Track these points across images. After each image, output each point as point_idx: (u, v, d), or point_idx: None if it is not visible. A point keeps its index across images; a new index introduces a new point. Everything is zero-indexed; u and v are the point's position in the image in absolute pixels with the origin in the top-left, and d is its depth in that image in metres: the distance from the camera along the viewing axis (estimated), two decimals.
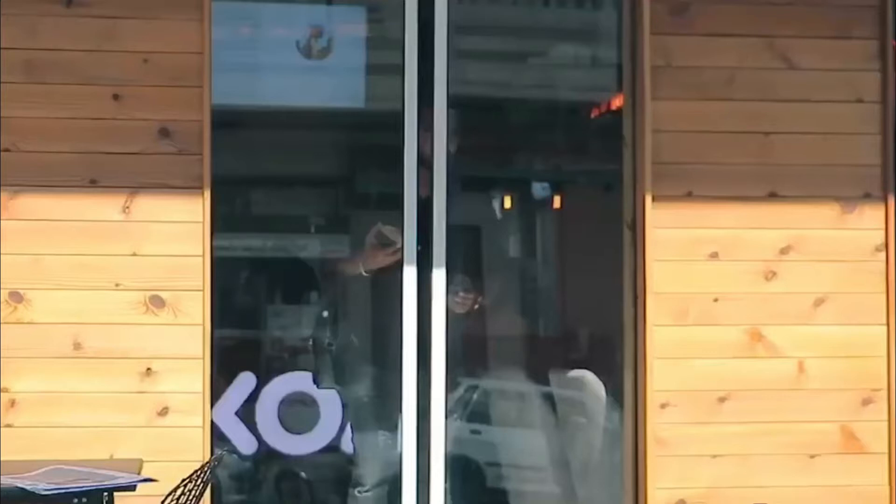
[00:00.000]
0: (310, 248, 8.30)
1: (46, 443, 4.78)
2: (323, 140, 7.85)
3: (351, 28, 7.48)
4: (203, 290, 4.93)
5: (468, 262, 5.43)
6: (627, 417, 5.28)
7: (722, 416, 5.16)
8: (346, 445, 5.99)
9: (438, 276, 5.08)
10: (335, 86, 7.45)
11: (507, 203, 9.19)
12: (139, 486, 3.54)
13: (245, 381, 5.92)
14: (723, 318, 5.18)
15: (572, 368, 5.78)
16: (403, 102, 5.08)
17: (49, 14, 4.92)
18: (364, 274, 4.70)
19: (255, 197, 7.02)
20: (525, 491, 6.01)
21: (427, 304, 4.96)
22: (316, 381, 5.77)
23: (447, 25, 5.04)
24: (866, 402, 5.23)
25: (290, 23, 7.35)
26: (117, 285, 4.93)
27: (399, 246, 4.61)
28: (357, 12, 7.50)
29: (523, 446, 5.99)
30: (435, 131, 5.03)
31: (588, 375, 5.48)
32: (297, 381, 6.30)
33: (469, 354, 6.28)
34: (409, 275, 5.00)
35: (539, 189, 9.01)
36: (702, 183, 5.20)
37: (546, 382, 5.98)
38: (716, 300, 5.19)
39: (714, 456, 5.15)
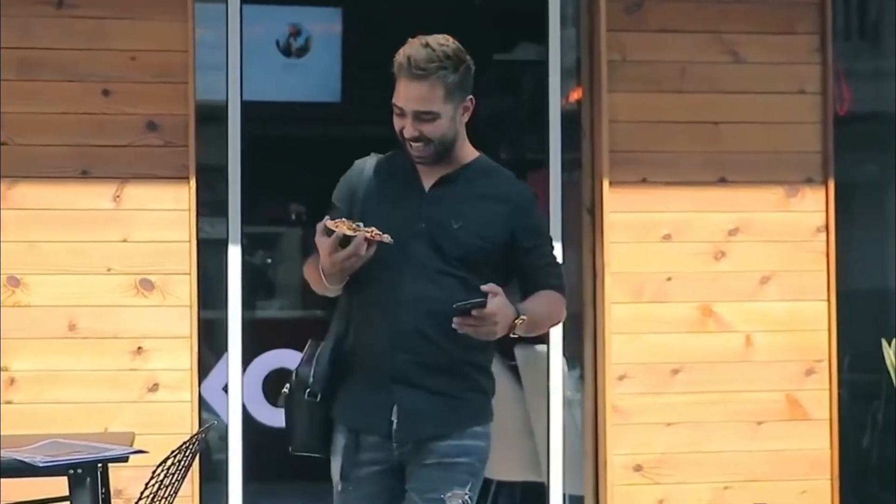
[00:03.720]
0: (290, 235, 8.30)
1: (44, 418, 4.77)
2: (301, 132, 7.83)
3: (327, 27, 7.47)
4: (190, 273, 4.92)
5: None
6: (587, 388, 5.29)
7: (675, 386, 5.18)
8: None
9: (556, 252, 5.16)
10: (313, 82, 7.43)
11: None
12: (131, 457, 3.52)
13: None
14: (676, 295, 5.20)
15: (536, 344, 5.77)
16: (227, 97, 5.07)
17: (41, 15, 4.89)
18: (330, 288, 3.23)
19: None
20: (494, 454, 6.01)
21: None
22: None
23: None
24: (809, 372, 5.25)
25: (270, 23, 7.33)
26: (109, 270, 4.91)
27: (357, 240, 3.10)
28: (333, 13, 7.49)
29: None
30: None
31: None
32: (278, 357, 6.29)
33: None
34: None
35: None
36: (655, 170, 5.21)
37: (512, 357, 5.98)
38: (669, 279, 5.20)
39: (668, 424, 5.17)
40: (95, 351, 4.88)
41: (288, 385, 3.30)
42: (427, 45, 3.19)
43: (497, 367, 5.85)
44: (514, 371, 5.95)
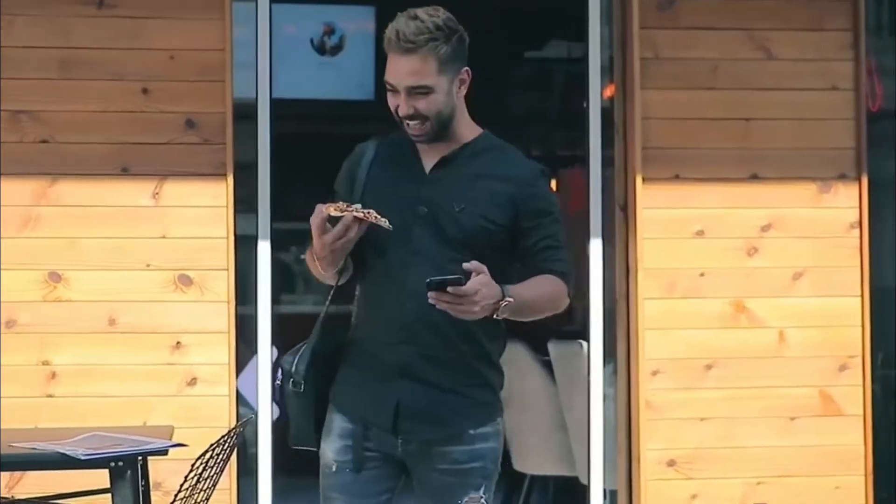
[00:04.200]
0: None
1: (84, 411, 4.79)
2: (334, 129, 7.84)
3: (360, 25, 7.47)
4: (227, 269, 4.93)
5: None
6: (621, 383, 5.28)
7: (708, 382, 5.16)
8: None
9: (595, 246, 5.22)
10: (346, 79, 7.44)
11: None
12: (171, 450, 3.53)
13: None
14: (708, 291, 5.17)
15: (569, 338, 5.76)
16: (257, 95, 5.08)
17: (82, 15, 4.91)
18: (325, 273, 3.15)
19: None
20: (527, 449, 6.01)
21: None
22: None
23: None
24: (843, 368, 5.22)
25: (305, 21, 7.34)
26: (148, 265, 4.93)
27: (345, 219, 2.96)
28: (367, 11, 7.49)
29: (526, 409, 5.98)
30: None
31: (584, 345, 5.47)
32: None
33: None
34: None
35: None
36: (688, 166, 5.18)
37: (545, 352, 5.97)
38: (702, 274, 5.18)
39: (701, 419, 5.15)
40: (135, 345, 4.90)
41: (278, 378, 3.19)
42: (416, 17, 3.04)
43: (530, 362, 5.91)
44: (548, 366, 5.94)
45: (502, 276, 2.98)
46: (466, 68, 3.10)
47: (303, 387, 3.13)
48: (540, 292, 3.06)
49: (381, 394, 3.10)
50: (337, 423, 3.15)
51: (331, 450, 3.15)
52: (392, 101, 3.09)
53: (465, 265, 2.88)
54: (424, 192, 3.10)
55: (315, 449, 3.19)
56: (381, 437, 3.11)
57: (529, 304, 3.02)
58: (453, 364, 3.09)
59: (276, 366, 5.15)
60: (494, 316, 2.94)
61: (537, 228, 3.09)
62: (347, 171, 3.22)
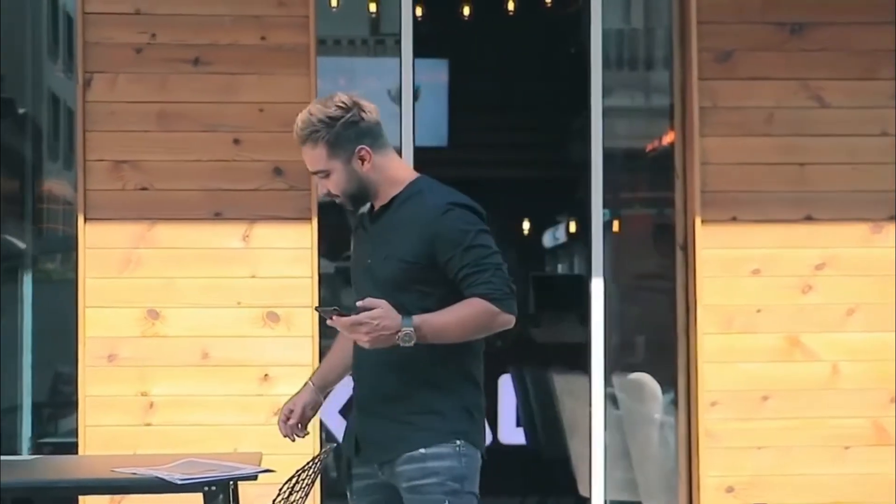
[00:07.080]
0: None
1: (180, 439, 4.86)
2: None
3: (434, 77, 7.54)
4: (312, 307, 4.98)
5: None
6: (681, 414, 5.26)
7: (765, 412, 5.12)
8: None
9: (597, 284, 5.24)
10: (422, 127, 7.51)
11: (573, 227, 9.17)
12: (260, 475, 3.58)
13: (347, 384, 5.94)
14: (765, 326, 5.15)
15: (633, 372, 5.75)
16: (401, 142, 5.17)
17: (179, 72, 5.01)
18: None
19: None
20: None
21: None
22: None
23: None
24: (894, 399, 5.16)
25: (382, 74, 7.42)
26: (239, 303, 5.00)
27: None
28: (440, 64, 7.56)
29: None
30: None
31: (646, 378, 5.46)
32: None
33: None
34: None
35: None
36: (745, 208, 5.18)
37: (609, 384, 5.95)
38: (758, 311, 5.16)
39: (758, 448, 5.12)
40: (226, 378, 4.96)
41: None
42: (308, 111, 3.21)
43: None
44: (611, 397, 5.93)
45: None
46: (361, 146, 3.18)
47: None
48: (458, 315, 3.11)
49: (351, 427, 3.35)
50: None
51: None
52: None
53: (359, 302, 3.05)
54: (368, 246, 3.28)
55: None
56: (362, 465, 3.29)
57: (445, 328, 3.10)
58: (402, 397, 3.20)
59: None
60: (401, 344, 3.05)
61: (453, 260, 3.13)
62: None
